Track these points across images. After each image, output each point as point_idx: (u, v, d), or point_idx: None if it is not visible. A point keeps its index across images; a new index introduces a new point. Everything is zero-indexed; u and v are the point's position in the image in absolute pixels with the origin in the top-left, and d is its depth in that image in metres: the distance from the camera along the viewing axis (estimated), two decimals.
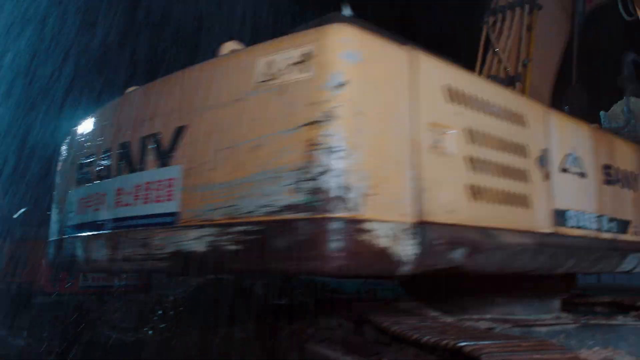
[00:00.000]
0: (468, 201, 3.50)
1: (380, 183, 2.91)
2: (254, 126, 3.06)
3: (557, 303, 5.82)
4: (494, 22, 7.07)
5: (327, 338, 4.54)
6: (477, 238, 3.46)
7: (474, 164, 3.57)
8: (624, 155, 5.39)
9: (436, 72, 3.47)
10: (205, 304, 7.05)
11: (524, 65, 6.56)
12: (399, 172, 3.06)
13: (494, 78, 6.76)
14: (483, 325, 4.86)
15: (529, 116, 4.16)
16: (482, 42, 7.03)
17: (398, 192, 3.03)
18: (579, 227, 4.54)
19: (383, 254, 2.86)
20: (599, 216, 4.81)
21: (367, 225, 2.79)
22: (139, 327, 9.89)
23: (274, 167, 2.89)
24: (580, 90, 7.07)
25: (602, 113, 10.83)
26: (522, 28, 6.75)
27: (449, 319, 4.35)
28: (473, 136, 3.61)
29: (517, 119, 4.04)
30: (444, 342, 3.14)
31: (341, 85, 2.82)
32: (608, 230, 4.94)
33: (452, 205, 3.37)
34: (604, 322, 5.74)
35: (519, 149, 4.02)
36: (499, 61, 6.78)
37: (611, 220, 4.98)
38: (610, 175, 5.08)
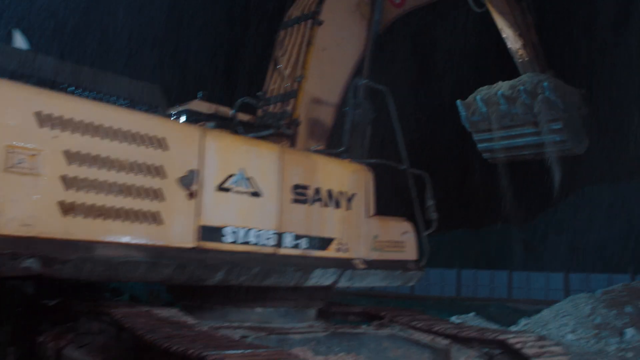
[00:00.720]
0: (58, 216, 3.99)
1: None
2: None
3: (312, 312, 6.35)
4: (284, 38, 7.48)
5: (87, 344, 4.63)
6: (58, 249, 3.96)
7: (71, 182, 4.05)
8: (333, 175, 5.86)
9: (23, 99, 3.96)
10: None
11: (298, 82, 6.96)
12: None
13: (277, 95, 7.16)
14: (238, 333, 5.31)
15: (171, 139, 4.63)
16: (273, 58, 7.42)
17: None
18: (242, 243, 5.02)
19: None
20: (279, 233, 5.29)
21: None
22: None
23: None
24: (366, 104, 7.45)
25: (458, 102, 11.34)
26: (303, 43, 7.13)
27: (205, 328, 4.64)
28: (75, 157, 4.09)
29: (150, 140, 4.51)
30: (190, 351, 3.48)
31: None
32: (294, 247, 5.42)
33: (29, 220, 3.87)
34: (350, 330, 6.30)
35: (152, 169, 4.48)
36: (282, 77, 7.20)
37: (299, 237, 5.46)
38: (305, 195, 5.55)
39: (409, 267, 6.45)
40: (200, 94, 6.94)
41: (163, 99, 5.33)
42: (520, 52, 10.67)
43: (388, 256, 6.29)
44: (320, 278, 5.60)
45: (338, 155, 6.23)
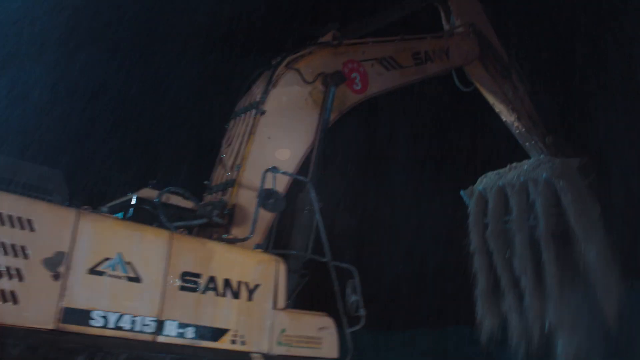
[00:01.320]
0: None
1: None
2: None
3: None
4: (232, 127, 7.80)
5: None
6: None
7: None
8: (233, 265, 5.88)
9: None
10: None
11: (237, 171, 7.17)
12: None
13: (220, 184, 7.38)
14: None
15: (39, 221, 4.88)
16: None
17: None
18: (113, 328, 5.08)
19: None
20: (159, 320, 5.31)
21: None
22: None
23: None
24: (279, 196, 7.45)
25: (461, 192, 11.12)
26: (246, 132, 7.40)
27: None
28: None
29: (14, 221, 4.78)
30: None
31: None
32: (178, 335, 5.40)
33: None
34: None
35: (13, 249, 4.72)
36: (224, 166, 7.46)
37: (184, 326, 5.45)
38: (196, 283, 5.59)
39: None
40: (150, 183, 7.25)
41: (62, 184, 5.65)
42: (516, 124, 10.51)
43: (299, 352, 6.10)
44: None
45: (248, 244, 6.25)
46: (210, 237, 6.67)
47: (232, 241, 6.34)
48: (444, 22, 10.04)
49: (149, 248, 5.39)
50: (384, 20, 8.73)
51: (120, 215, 6.79)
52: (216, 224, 6.85)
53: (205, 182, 7.58)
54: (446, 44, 9.38)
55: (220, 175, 7.49)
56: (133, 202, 6.95)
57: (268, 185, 6.54)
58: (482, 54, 9.84)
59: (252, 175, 7.20)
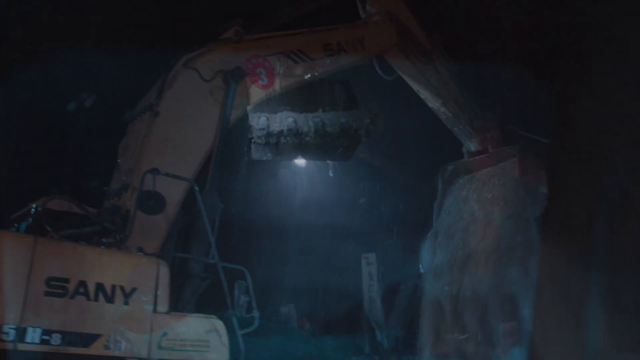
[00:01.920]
0: None
1: None
2: None
3: None
4: (130, 131, 7.78)
5: None
6: None
7: None
8: (107, 268, 5.85)
9: None
10: None
11: (131, 174, 7.14)
12: None
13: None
14: None
15: None
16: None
17: None
18: None
19: None
20: (19, 328, 5.26)
21: None
22: None
23: None
24: (213, 197, 7.50)
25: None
26: (141, 135, 7.37)
27: None
28: None
29: None
30: None
31: None
32: (43, 342, 5.35)
33: None
34: None
35: None
36: (120, 171, 7.44)
37: (49, 332, 5.41)
38: (63, 288, 5.56)
39: None
40: (52, 192, 7.21)
41: None
42: (442, 109, 10.51)
43: (183, 356, 6.07)
44: None
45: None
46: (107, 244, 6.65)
47: (110, 245, 6.31)
48: (360, 11, 10.01)
49: (8, 254, 5.35)
50: (293, 12, 8.72)
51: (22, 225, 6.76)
52: (109, 230, 6.81)
53: (105, 188, 7.56)
54: (361, 33, 9.35)
55: (117, 180, 7.46)
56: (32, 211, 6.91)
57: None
58: (400, 41, 9.81)
59: (146, 179, 7.15)
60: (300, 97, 8.89)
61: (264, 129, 8.68)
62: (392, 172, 16.70)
